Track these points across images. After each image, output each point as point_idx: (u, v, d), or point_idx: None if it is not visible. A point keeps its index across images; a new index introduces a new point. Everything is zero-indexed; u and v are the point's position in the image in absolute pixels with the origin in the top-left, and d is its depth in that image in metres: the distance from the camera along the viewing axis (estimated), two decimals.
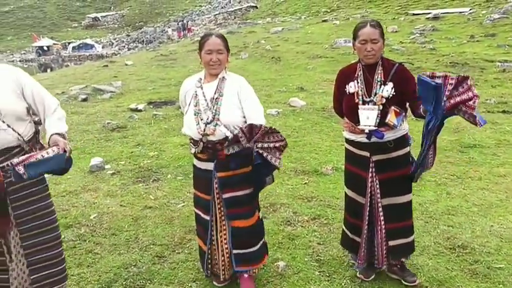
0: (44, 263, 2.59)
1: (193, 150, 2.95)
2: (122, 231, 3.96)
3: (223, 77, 2.93)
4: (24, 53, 55.98)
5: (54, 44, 53.75)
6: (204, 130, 2.82)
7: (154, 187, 5.00)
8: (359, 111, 2.90)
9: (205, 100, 2.87)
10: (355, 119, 2.94)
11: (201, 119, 2.84)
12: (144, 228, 4.03)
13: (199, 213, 3.06)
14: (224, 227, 2.98)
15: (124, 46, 49.81)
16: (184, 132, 2.98)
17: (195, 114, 2.86)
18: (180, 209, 4.40)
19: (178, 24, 45.61)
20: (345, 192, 3.19)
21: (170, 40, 39.44)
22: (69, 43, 54.81)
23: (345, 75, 3.07)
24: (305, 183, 5.00)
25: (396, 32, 18.55)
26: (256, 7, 48.47)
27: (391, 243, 3.01)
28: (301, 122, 7.54)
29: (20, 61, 51.54)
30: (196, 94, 2.91)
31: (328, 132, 7.02)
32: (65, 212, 4.32)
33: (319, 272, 3.30)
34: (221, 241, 3.00)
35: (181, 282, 3.20)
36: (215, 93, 2.87)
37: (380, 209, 2.98)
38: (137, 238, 3.85)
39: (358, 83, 2.95)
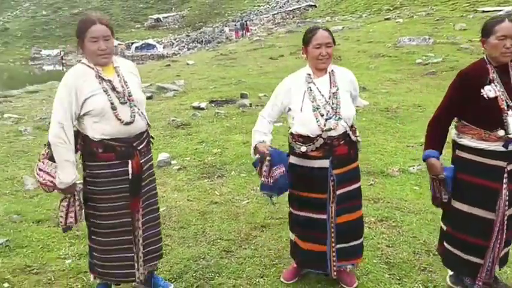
0: (151, 239, 2.86)
1: (304, 149, 2.82)
2: (189, 225, 4.06)
3: (333, 70, 2.89)
4: None
5: (118, 44, 55.99)
6: (325, 125, 2.75)
7: (219, 183, 5.08)
8: (507, 117, 2.59)
9: (322, 95, 2.80)
10: (492, 126, 2.61)
11: (322, 115, 2.76)
12: (211, 222, 4.10)
13: (309, 215, 2.91)
14: (332, 224, 2.91)
15: (184, 46, 51.09)
16: (296, 130, 2.86)
17: (314, 110, 2.77)
18: (245, 206, 4.45)
19: (235, 24, 46.16)
20: (455, 208, 2.81)
21: (228, 40, 40.01)
22: (132, 43, 56.95)
23: (475, 78, 2.67)
24: (371, 184, 4.90)
25: (465, 30, 17.74)
26: (315, 6, 48.07)
27: (503, 251, 2.81)
28: (365, 122, 7.39)
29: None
30: (310, 89, 2.82)
31: (393, 133, 6.85)
32: None
33: (389, 274, 3.22)
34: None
35: (249, 277, 3.24)
36: (331, 87, 2.82)
37: (505, 221, 2.70)
38: (204, 232, 3.93)
39: (496, 86, 2.63)
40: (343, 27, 22.60)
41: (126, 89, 2.66)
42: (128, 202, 2.67)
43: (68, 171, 2.56)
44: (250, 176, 5.24)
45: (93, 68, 2.61)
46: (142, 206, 2.76)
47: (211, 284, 3.16)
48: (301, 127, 2.82)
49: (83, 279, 3.22)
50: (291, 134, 2.91)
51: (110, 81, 2.63)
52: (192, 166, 5.64)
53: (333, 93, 2.80)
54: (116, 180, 2.64)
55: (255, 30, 40.01)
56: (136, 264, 2.77)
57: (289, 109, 2.90)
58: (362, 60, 14.08)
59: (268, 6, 58.10)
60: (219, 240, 3.76)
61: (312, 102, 2.78)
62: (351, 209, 2.93)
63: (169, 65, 18.36)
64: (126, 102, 2.63)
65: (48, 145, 2.59)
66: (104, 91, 2.58)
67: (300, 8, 49.35)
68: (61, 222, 2.67)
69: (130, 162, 2.65)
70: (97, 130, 2.58)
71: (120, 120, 2.60)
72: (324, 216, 2.88)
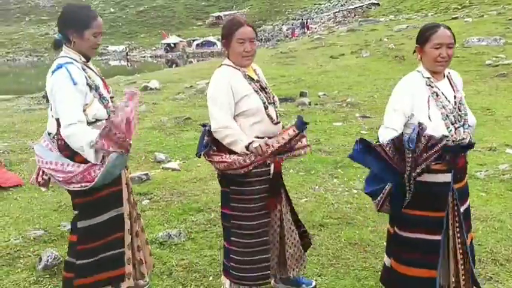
0: (292, 240, 2.94)
1: None
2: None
3: (449, 72, 2.64)
4: (154, 50, 60.82)
5: (180, 41, 57.62)
6: (456, 135, 2.47)
7: None
8: None
9: (448, 101, 2.50)
10: None
11: (452, 123, 2.48)
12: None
13: (421, 236, 2.53)
14: (459, 245, 2.56)
15: None
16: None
17: (443, 119, 2.45)
18: (303, 204, 4.44)
19: (293, 24, 46.08)
20: None
21: (288, 38, 39.98)
22: (193, 40, 58.34)
23: None
24: None
25: None
26: (378, 4, 46.98)
27: None
28: None
29: (150, 57, 56.16)
30: (436, 95, 2.50)
31: None
32: (196, 197, 4.61)
33: None
34: (456, 260, 2.57)
35: (306, 275, 3.23)
36: (455, 92, 2.56)
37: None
38: None
39: None
40: (407, 26, 21.92)
41: (270, 90, 2.76)
42: (265, 203, 2.70)
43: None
44: (308, 174, 5.23)
45: (238, 69, 2.66)
46: (280, 206, 2.82)
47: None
48: None
49: None
50: None
51: (258, 81, 2.71)
52: None
53: (459, 98, 2.55)
54: (260, 181, 2.67)
55: (316, 28, 39.72)
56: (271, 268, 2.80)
57: (411, 117, 2.53)
58: None
59: (329, 4, 57.42)
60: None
61: (440, 109, 2.47)
62: (470, 228, 2.67)
63: None
64: (272, 103, 2.72)
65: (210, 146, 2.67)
66: (255, 91, 2.64)
67: (362, 6, 48.40)
68: None
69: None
70: (253, 130, 2.63)
71: (272, 119, 2.66)
72: (439, 237, 2.51)
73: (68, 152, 2.50)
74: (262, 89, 2.70)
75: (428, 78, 2.53)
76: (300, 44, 22.87)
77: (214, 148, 2.68)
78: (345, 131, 7.06)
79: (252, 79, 2.68)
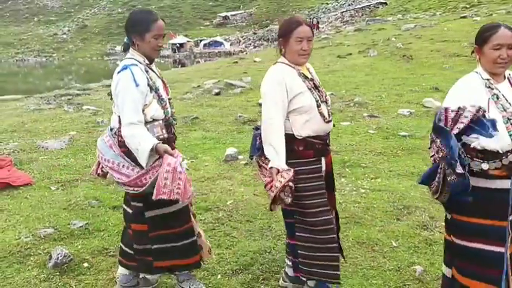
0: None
1: (485, 167, 2.31)
2: (256, 219, 4.13)
3: (510, 74, 2.50)
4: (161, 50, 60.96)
5: (187, 41, 57.77)
6: None
7: None
8: None
9: (510, 104, 2.36)
10: None
11: None
12: (277, 218, 4.14)
13: (481, 246, 2.36)
14: None
15: (250, 44, 51.69)
16: (481, 145, 2.30)
17: (505, 122, 2.30)
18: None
19: None
20: None
21: None
22: (200, 40, 58.47)
23: None
24: None
25: None
26: (385, 3, 46.80)
27: None
28: None
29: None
30: (497, 97, 2.36)
31: None
32: (204, 196, 4.63)
33: None
34: None
35: None
36: None
37: None
38: (270, 227, 3.98)
39: None
40: (415, 25, 21.82)
41: (323, 89, 2.79)
42: (325, 199, 2.72)
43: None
44: None
45: (293, 67, 2.70)
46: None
47: (276, 277, 3.20)
48: (488, 141, 2.29)
49: None
50: (467, 148, 2.32)
51: (312, 79, 2.74)
52: None
53: None
54: (313, 177, 2.70)
55: (323, 28, 39.62)
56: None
57: None
58: (435, 60, 13.54)
59: (336, 4, 57.29)
60: (284, 236, 3.77)
61: (501, 112, 2.33)
62: None
63: (236, 62, 18.65)
64: (324, 101, 2.74)
65: None
66: (309, 89, 2.68)
67: (369, 5, 48.24)
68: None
69: (323, 159, 2.75)
70: (305, 127, 2.65)
71: (324, 117, 2.69)
72: (500, 249, 2.33)
73: (125, 149, 2.65)
74: (316, 87, 2.74)
75: (487, 80, 2.40)
76: None
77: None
78: (352, 131, 7.05)
79: (306, 77, 2.72)
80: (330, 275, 2.72)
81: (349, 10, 49.35)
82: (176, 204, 2.75)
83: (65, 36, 73.53)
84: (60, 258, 3.32)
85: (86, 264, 3.37)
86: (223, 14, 72.97)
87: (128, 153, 2.64)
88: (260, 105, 9.10)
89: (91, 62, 57.80)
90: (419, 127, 6.95)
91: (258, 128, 2.81)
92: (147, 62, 2.71)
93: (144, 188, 2.61)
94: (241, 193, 4.73)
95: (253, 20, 69.30)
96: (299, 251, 2.77)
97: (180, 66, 36.72)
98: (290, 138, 2.66)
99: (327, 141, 2.78)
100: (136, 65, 2.64)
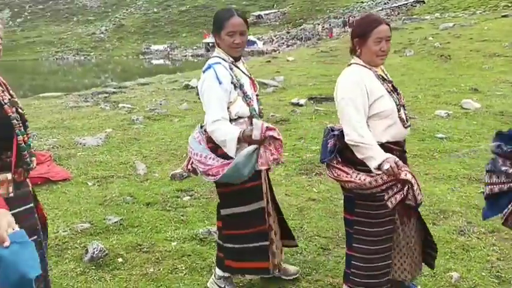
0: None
1: None
2: (288, 220, 4.04)
3: None
4: (195, 49, 61.73)
5: None
6: None
7: (317, 180, 5.07)
8: None
9: None
10: None
11: None
12: (309, 219, 4.12)
13: None
14: None
15: (283, 43, 51.54)
16: None
17: None
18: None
19: (330, 24, 45.56)
20: None
21: (321, 39, 39.54)
22: None
23: None
24: (481, 192, 4.57)
25: None
26: (423, 2, 45.77)
27: None
28: (476, 126, 6.91)
29: (191, 56, 57.01)
30: None
31: None
32: None
33: None
34: None
35: None
36: None
37: None
38: (302, 228, 3.95)
39: None
40: (453, 25, 21.26)
41: (400, 91, 2.66)
42: (396, 209, 2.57)
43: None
44: None
45: (370, 69, 2.55)
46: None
47: (307, 279, 3.18)
48: None
49: (186, 261, 3.41)
50: None
51: (390, 82, 2.62)
52: (290, 162, 5.69)
53: None
54: (388, 187, 2.49)
55: None
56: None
57: None
58: (474, 60, 13.15)
59: (372, 2, 56.45)
60: (316, 237, 3.77)
61: None
62: None
63: (269, 61, 18.64)
64: (402, 105, 2.62)
65: None
66: (388, 92, 2.54)
67: (406, 4, 47.32)
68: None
69: None
70: (386, 133, 2.52)
71: (403, 122, 2.57)
72: None
73: (212, 144, 2.70)
74: (394, 89, 2.61)
75: None
76: (341, 43, 22.59)
77: (339, 159, 2.60)
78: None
79: (384, 79, 2.58)
80: (382, 283, 2.64)
81: (385, 9, 48.55)
82: (250, 205, 2.74)
83: (102, 35, 75.39)
84: (96, 252, 3.40)
85: (120, 260, 3.44)
86: (256, 13, 73.11)
87: (215, 149, 2.69)
88: (293, 104, 9.10)
89: (127, 60, 59.04)
90: (457, 129, 6.77)
91: (333, 129, 2.66)
92: (231, 59, 2.72)
93: (218, 176, 2.60)
94: None
95: (287, 19, 69.11)
96: (353, 262, 2.67)
97: None
98: None
99: (404, 148, 2.65)
100: (220, 63, 2.66)
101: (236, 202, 2.74)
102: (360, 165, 2.51)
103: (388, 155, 2.42)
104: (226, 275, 2.94)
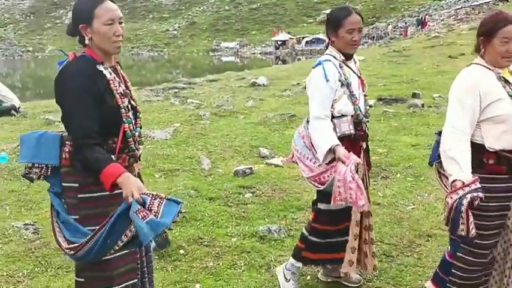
0: None
1: None
2: None
3: None
4: (264, 46, 62.11)
5: (290, 38, 58.10)
6: None
7: (383, 184, 4.92)
8: None
9: None
10: None
11: None
12: (372, 224, 3.99)
13: None
14: None
15: None
16: None
17: None
18: (410, 211, 4.22)
19: (406, 23, 43.94)
20: None
21: (394, 37, 38.21)
22: (303, 38, 58.45)
23: None
24: None
25: None
26: (507, 0, 42.96)
27: None
28: None
29: (259, 53, 57.46)
30: None
31: None
32: (297, 195, 4.61)
33: None
34: None
35: (408, 285, 3.08)
36: None
37: None
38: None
39: None
40: None
41: None
42: (503, 221, 2.47)
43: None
44: (417, 181, 4.96)
45: (492, 70, 2.41)
46: None
47: (368, 285, 3.09)
48: None
49: (245, 258, 3.43)
50: None
51: None
52: None
53: None
54: (502, 197, 2.39)
55: (433, 26, 37.48)
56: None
57: None
58: None
59: (450, 0, 53.85)
60: (379, 243, 3.64)
61: None
62: None
63: None
64: None
65: None
66: (510, 96, 2.37)
67: (488, 2, 44.62)
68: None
69: None
70: (501, 139, 2.34)
71: None
72: None
73: (311, 141, 2.76)
74: None
75: None
76: (415, 43, 21.80)
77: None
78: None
79: (507, 82, 2.40)
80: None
81: (464, 7, 46.05)
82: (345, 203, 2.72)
83: (175, 32, 77.95)
84: (159, 242, 3.50)
85: (181, 251, 3.52)
86: (327, 11, 72.01)
87: (311, 147, 2.75)
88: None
89: (197, 57, 60.65)
90: None
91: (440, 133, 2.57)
92: (343, 58, 2.74)
93: (325, 186, 2.68)
94: None
95: None
96: (453, 270, 2.55)
97: (281, 63, 37.06)
98: (479, 149, 2.35)
99: None
100: (330, 61, 2.70)
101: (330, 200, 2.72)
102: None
103: (467, 178, 2.22)
104: (297, 265, 2.96)
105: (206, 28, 76.54)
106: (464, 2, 49.24)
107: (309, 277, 3.20)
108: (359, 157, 2.72)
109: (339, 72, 2.68)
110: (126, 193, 1.88)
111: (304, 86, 11.28)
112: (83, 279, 2.14)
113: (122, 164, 2.06)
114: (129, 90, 2.20)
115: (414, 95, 9.37)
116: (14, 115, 8.82)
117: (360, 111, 2.75)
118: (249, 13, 79.73)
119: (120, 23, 2.07)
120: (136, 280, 2.19)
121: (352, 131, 2.71)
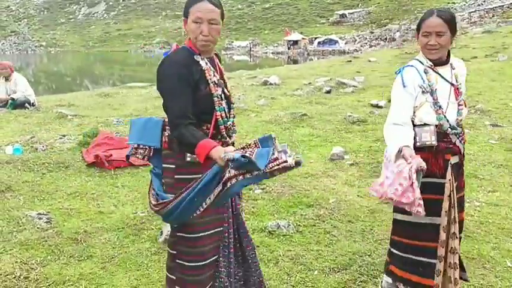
0: None
1: None
2: (358, 220, 4.05)
3: None
4: (276, 46, 62.09)
5: (302, 38, 58.01)
6: None
7: None
8: None
9: None
10: None
11: None
12: (380, 221, 4.03)
13: None
14: None
15: (366, 43, 50.34)
16: None
17: None
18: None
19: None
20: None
21: (407, 40, 37.92)
22: (315, 38, 58.33)
23: None
24: None
25: None
26: None
27: None
28: None
29: (272, 53, 57.44)
30: None
31: None
32: (307, 192, 4.64)
33: None
34: None
35: None
36: None
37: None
38: (372, 230, 3.88)
39: None
40: None
41: None
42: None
43: None
44: None
45: None
46: None
47: (374, 281, 3.12)
48: None
49: None
50: None
51: None
52: (364, 163, 5.58)
53: None
54: None
55: None
56: None
57: None
58: None
59: (464, 3, 53.40)
60: (386, 240, 3.64)
61: None
62: None
63: (350, 61, 18.34)
64: None
65: None
66: None
67: (502, 6, 44.18)
68: None
69: None
70: None
71: None
72: None
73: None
74: None
75: None
76: None
77: None
78: (471, 139, 6.55)
79: None
80: None
81: (478, 10, 45.66)
82: (419, 217, 2.47)
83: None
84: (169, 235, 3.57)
85: None
86: (340, 12, 71.94)
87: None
88: (372, 105, 8.92)
89: None
90: None
91: None
92: (430, 63, 2.59)
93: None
94: (344, 193, 4.66)
95: (371, 19, 67.33)
96: None
97: (292, 63, 37.04)
98: None
99: None
100: (412, 66, 2.59)
101: (404, 210, 2.47)
102: None
103: None
104: (387, 280, 2.82)
105: None
106: (479, 5, 48.84)
107: (316, 272, 3.24)
108: (443, 172, 2.55)
109: (421, 78, 2.53)
110: (219, 157, 1.98)
111: (317, 85, 11.34)
112: (175, 252, 2.35)
113: None
114: (224, 81, 2.35)
115: None
116: (28, 108, 8.96)
117: (447, 121, 2.54)
118: (261, 12, 79.75)
119: (212, 24, 2.20)
120: (217, 256, 2.36)
121: (434, 142, 2.51)
